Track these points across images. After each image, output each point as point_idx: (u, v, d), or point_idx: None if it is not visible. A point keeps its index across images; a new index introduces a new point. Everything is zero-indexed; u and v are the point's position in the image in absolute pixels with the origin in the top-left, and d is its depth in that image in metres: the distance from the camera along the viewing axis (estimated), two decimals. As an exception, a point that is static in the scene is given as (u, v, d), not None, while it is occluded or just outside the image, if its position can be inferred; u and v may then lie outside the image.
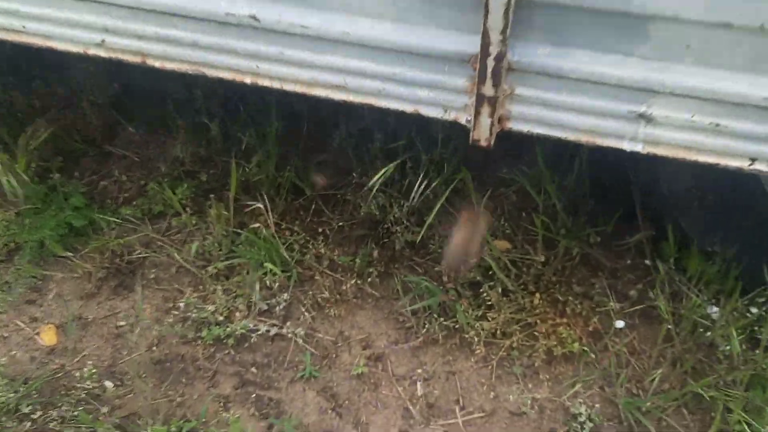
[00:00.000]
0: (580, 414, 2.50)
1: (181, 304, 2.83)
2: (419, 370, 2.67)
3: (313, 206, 3.16)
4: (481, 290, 2.78)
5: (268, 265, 2.82)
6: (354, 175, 3.16)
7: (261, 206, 2.81)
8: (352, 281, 2.92)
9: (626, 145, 1.93)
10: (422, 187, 2.90)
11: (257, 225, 2.85)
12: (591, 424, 2.48)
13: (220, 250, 2.95)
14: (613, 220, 2.90)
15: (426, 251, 2.98)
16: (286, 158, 3.17)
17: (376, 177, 2.81)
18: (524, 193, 3.05)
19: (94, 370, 2.64)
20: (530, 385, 2.61)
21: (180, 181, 3.17)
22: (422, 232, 2.87)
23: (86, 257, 2.97)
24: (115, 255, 2.98)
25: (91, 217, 3.03)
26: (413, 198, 2.92)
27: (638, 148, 1.92)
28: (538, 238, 2.86)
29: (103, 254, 2.96)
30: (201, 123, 3.29)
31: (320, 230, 3.07)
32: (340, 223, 3.08)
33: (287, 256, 2.86)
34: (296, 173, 3.15)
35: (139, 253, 3.03)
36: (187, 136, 3.25)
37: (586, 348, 2.67)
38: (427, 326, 2.75)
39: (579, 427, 2.48)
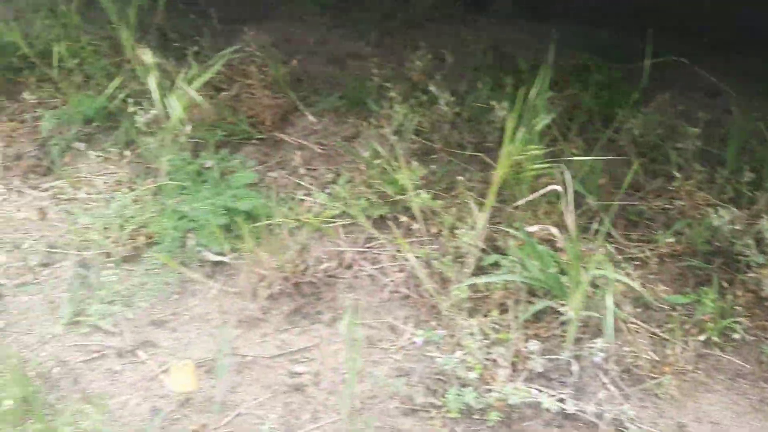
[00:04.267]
0: None
1: (405, 339, 1.69)
2: None
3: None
4: None
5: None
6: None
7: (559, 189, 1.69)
8: (690, 342, 1.72)
9: None
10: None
11: (539, 227, 1.71)
12: None
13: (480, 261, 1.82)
14: None
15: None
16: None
17: None
18: None
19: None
20: None
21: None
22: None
23: (249, 265, 1.89)
24: (294, 266, 1.90)
25: (261, 204, 1.98)
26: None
27: None
28: None
29: (278, 263, 1.88)
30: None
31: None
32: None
33: (587, 286, 1.69)
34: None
35: (332, 269, 1.94)
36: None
37: None
38: None
39: None
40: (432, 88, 2.22)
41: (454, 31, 3.21)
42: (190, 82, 1.86)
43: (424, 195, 1.84)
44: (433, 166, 2.16)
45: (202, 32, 2.89)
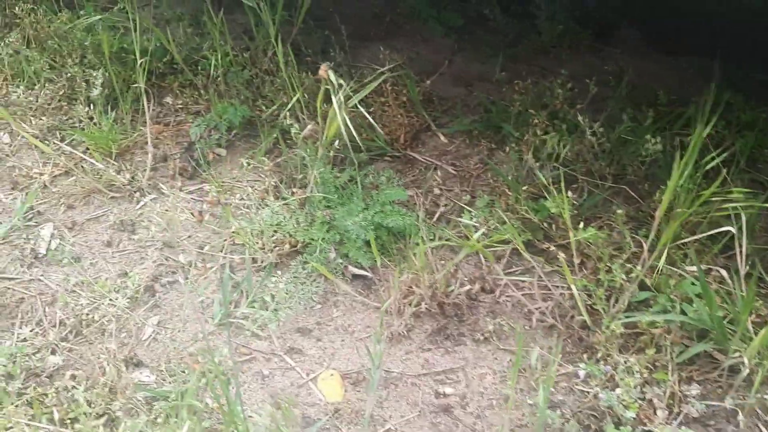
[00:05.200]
0: None
1: (553, 370, 1.66)
2: None
3: None
4: None
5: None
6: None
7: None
8: None
9: None
10: None
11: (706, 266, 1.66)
12: None
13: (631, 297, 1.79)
14: None
15: None
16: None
17: None
18: None
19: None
20: None
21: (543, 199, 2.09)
22: None
23: (398, 281, 1.91)
24: (446, 286, 1.91)
25: (409, 222, 2.00)
26: None
27: None
28: None
29: (430, 282, 1.88)
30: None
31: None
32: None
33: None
34: None
35: (474, 292, 1.93)
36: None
37: None
38: None
39: None
40: (579, 117, 2.19)
41: (581, 59, 3.18)
42: (348, 98, 1.90)
43: (590, 229, 1.81)
44: (574, 195, 2.14)
45: (334, 48, 2.95)
